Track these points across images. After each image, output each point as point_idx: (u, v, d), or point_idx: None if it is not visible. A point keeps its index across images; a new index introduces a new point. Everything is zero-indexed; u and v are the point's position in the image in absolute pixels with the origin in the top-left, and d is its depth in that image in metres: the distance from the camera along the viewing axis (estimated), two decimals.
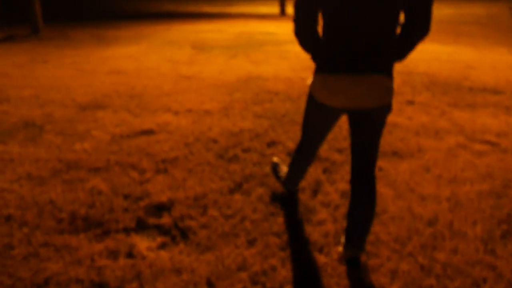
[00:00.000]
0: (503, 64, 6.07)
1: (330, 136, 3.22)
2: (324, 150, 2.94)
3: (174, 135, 3.26)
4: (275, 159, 2.49)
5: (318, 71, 1.58)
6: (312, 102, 1.69)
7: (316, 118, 1.73)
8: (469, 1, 28.10)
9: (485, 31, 10.50)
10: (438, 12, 18.27)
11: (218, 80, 5.15)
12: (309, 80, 1.67)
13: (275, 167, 2.44)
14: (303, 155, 1.99)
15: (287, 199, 2.29)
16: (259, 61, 6.40)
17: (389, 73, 1.51)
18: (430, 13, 1.45)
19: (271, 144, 3.08)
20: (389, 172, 2.62)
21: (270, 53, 7.21)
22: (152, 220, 2.09)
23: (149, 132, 3.33)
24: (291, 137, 3.18)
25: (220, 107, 4.00)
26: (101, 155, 2.87)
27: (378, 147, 1.67)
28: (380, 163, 2.75)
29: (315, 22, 1.60)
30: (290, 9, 17.74)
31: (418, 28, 1.46)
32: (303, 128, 1.85)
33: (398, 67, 5.86)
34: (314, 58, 1.62)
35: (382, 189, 2.41)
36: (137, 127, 3.42)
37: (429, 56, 6.75)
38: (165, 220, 2.09)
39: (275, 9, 21.14)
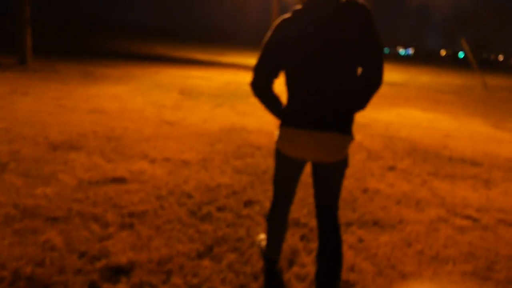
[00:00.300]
0: (480, 135, 6.26)
1: (310, 199, 3.10)
2: (303, 215, 2.81)
3: (146, 185, 3.07)
4: (259, 237, 2.33)
5: (282, 125, 1.69)
6: (279, 155, 1.78)
7: (283, 170, 1.82)
8: (446, 71, 30.03)
9: (463, 101, 11.03)
10: (418, 79, 19.31)
11: (201, 129, 5.07)
12: (275, 134, 1.75)
13: (259, 243, 2.29)
14: (276, 218, 1.96)
15: (263, 270, 2.10)
16: (244, 113, 6.41)
17: (347, 131, 1.63)
18: (382, 68, 1.60)
19: (248, 203, 2.93)
20: (370, 244, 2.48)
21: (256, 105, 7.27)
22: (106, 287, 1.85)
23: (120, 180, 3.14)
24: (270, 197, 3.04)
25: (200, 158, 3.87)
26: (63, 203, 2.64)
27: (338, 195, 1.79)
28: (361, 233, 2.62)
29: (273, 82, 1.73)
30: None
31: (373, 82, 1.60)
32: (274, 184, 1.93)
33: (380, 131, 5.96)
34: (275, 114, 1.75)
35: (363, 264, 2.25)
36: (108, 174, 3.23)
37: (410, 122, 6.93)
38: (121, 287, 1.85)
39: None
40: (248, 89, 9.47)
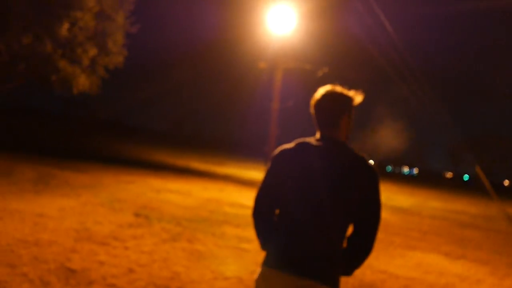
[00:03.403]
0: None
1: None
2: None
3: None
4: None
5: (265, 264, 1.56)
6: None
7: None
8: (455, 196, 28.37)
9: (492, 241, 9.04)
10: (428, 204, 17.56)
11: None
12: (257, 271, 1.61)
13: None
14: None
15: None
16: (202, 254, 4.57)
17: (332, 284, 1.49)
18: (375, 233, 1.54)
19: None
20: None
21: (225, 238, 5.45)
22: None
23: None
24: None
25: None
26: None
27: None
28: None
29: (273, 214, 1.62)
30: None
31: (362, 247, 1.54)
32: None
33: None
34: (264, 247, 1.63)
35: None
36: None
37: (436, 280, 4.94)
38: None
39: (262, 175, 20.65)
40: (228, 211, 7.75)
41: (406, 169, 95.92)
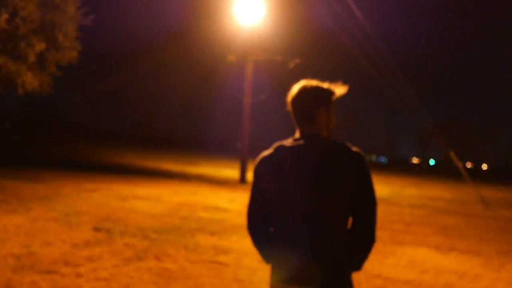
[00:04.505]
0: None
1: None
2: None
3: None
4: None
5: (278, 280, 1.49)
6: None
7: None
8: (428, 181, 28.96)
9: (474, 228, 8.89)
10: (405, 192, 17.59)
11: None
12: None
13: None
14: None
15: None
16: (173, 274, 3.90)
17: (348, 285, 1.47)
18: (375, 224, 1.50)
19: None
20: None
21: (199, 251, 4.80)
22: None
23: None
24: None
25: None
26: None
27: None
28: None
29: (269, 225, 1.57)
30: (250, 176, 16.40)
31: (364, 238, 1.49)
32: None
33: None
34: (269, 262, 1.58)
35: None
36: None
37: (433, 280, 4.52)
38: None
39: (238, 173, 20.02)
40: (203, 216, 7.05)
41: (373, 157, 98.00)
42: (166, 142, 64.36)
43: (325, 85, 1.58)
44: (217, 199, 9.66)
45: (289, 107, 1.60)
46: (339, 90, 1.59)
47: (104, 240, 4.91)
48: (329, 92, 1.58)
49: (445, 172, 51.30)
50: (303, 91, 1.56)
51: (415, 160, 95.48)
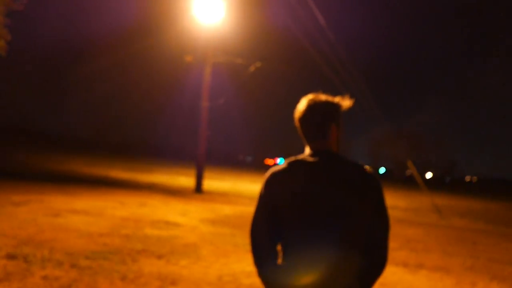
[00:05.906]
0: None
1: None
2: None
3: None
4: None
5: None
6: None
7: None
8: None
9: (436, 239, 8.74)
10: None
11: None
12: None
13: None
14: None
15: None
16: None
17: None
18: (387, 243, 1.49)
19: None
20: None
21: (141, 283, 3.92)
22: None
23: None
24: None
25: None
26: None
27: None
28: None
29: (276, 243, 1.51)
30: (206, 185, 15.53)
31: (376, 261, 1.47)
32: None
33: None
34: (266, 283, 1.50)
35: None
36: None
37: None
38: None
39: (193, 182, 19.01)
40: (149, 234, 5.91)
41: None
42: (117, 147, 61.02)
43: (336, 99, 1.57)
44: (168, 212, 8.72)
45: (297, 123, 1.58)
46: (346, 103, 1.58)
47: (17, 273, 3.87)
48: (339, 106, 1.57)
49: (395, 179, 53.41)
50: (314, 106, 1.54)
51: (366, 168, 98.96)
